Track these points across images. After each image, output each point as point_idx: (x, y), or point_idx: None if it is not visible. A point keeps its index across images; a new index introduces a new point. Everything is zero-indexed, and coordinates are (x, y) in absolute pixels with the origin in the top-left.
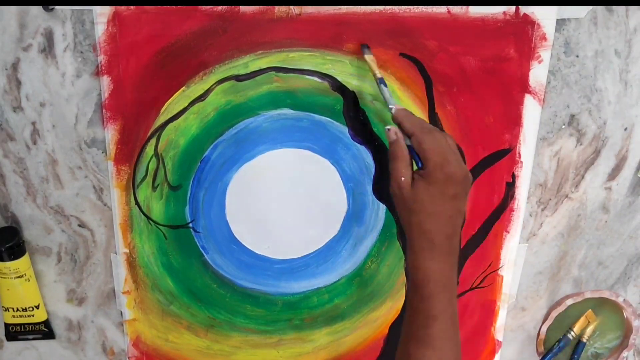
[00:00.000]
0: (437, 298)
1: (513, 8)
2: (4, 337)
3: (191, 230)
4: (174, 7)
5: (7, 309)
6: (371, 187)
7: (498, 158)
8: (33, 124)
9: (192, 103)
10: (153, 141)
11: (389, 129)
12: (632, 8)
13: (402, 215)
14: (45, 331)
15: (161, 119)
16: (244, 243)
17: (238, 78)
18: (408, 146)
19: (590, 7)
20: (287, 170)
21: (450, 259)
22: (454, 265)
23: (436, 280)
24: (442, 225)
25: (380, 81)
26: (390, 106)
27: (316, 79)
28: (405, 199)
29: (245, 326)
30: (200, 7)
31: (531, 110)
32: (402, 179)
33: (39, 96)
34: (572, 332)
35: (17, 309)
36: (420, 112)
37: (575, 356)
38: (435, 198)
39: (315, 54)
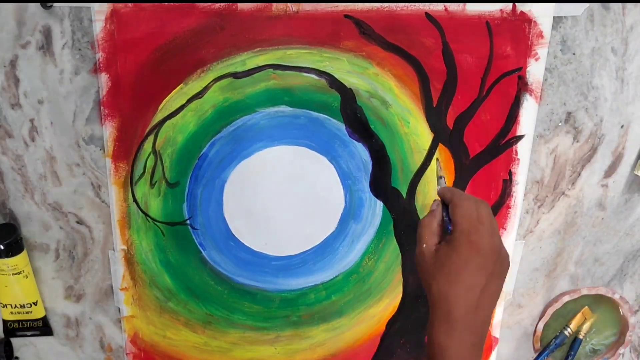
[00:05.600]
0: None
1: (510, 6)
2: (2, 334)
3: (189, 227)
4: (172, 4)
5: (5, 306)
6: (368, 184)
7: (495, 155)
8: (31, 121)
9: (189, 100)
10: (151, 138)
11: (434, 201)
12: (628, 6)
13: (424, 282)
14: (43, 328)
15: (159, 116)
16: (241, 240)
17: (236, 75)
18: (446, 218)
19: (587, 5)
20: (284, 168)
21: (469, 337)
22: (473, 347)
23: (449, 358)
24: (462, 296)
25: (441, 177)
26: (439, 186)
27: (313, 76)
28: (427, 264)
29: (243, 323)
30: (197, 4)
31: (528, 108)
32: (424, 245)
33: (37, 93)
34: (568, 329)
35: (15, 306)
36: (417, 109)
37: (572, 353)
38: (456, 264)
39: (312, 51)
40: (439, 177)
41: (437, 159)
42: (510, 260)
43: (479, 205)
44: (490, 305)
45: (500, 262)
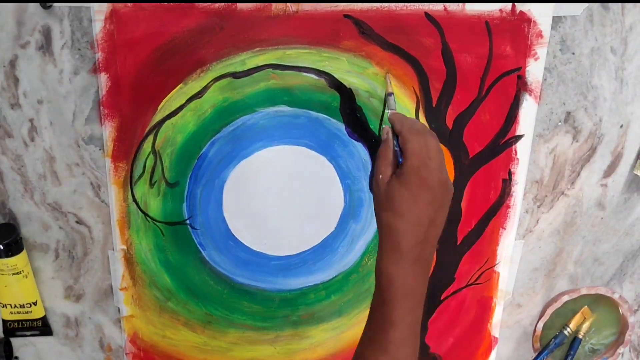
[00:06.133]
0: (397, 304)
1: (509, 5)
2: (2, 334)
3: (188, 227)
4: (171, 4)
5: (4, 306)
6: (368, 183)
7: (494, 155)
8: (31, 121)
9: (189, 100)
10: (150, 138)
11: (384, 128)
12: (627, 6)
13: (376, 213)
14: (42, 328)
15: (158, 116)
16: (241, 240)
17: (235, 75)
18: (397, 149)
19: (587, 5)
20: (284, 167)
21: (417, 267)
22: (421, 275)
23: (398, 286)
24: (411, 230)
25: (390, 94)
26: (387, 110)
27: (313, 76)
28: (380, 197)
29: (243, 322)
30: (197, 4)
31: (527, 107)
32: (380, 176)
33: (37, 93)
34: (568, 329)
35: (15, 306)
36: (416, 109)
37: (571, 352)
38: (406, 200)
39: (312, 51)
40: (388, 94)
41: (388, 73)
42: (453, 191)
43: (427, 139)
44: (436, 236)
45: (447, 194)
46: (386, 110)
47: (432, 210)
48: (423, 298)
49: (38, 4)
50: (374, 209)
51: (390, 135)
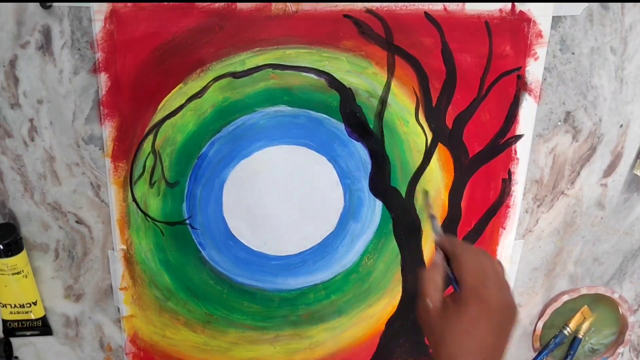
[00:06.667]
0: None
1: (509, 5)
2: (1, 333)
3: (188, 226)
4: (171, 4)
5: (4, 305)
6: (367, 183)
7: (494, 155)
8: (31, 120)
9: (189, 100)
10: (150, 138)
11: (436, 253)
12: (627, 5)
13: (430, 340)
14: (42, 327)
15: (158, 116)
16: (241, 239)
17: (235, 75)
18: (450, 275)
19: (586, 4)
20: (284, 167)
21: None
22: None
23: None
24: (473, 357)
25: (432, 217)
26: (435, 235)
27: (313, 76)
28: (433, 325)
29: (242, 322)
30: (197, 4)
31: (527, 107)
32: (428, 300)
33: (37, 93)
34: (568, 328)
35: (15, 305)
36: (415, 108)
37: (571, 352)
38: (467, 325)
39: (312, 51)
40: (431, 217)
41: (427, 191)
42: (517, 312)
43: (480, 257)
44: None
45: (509, 317)
46: (434, 235)
47: (494, 335)
48: None
49: (38, 3)
50: (427, 336)
51: (443, 260)
